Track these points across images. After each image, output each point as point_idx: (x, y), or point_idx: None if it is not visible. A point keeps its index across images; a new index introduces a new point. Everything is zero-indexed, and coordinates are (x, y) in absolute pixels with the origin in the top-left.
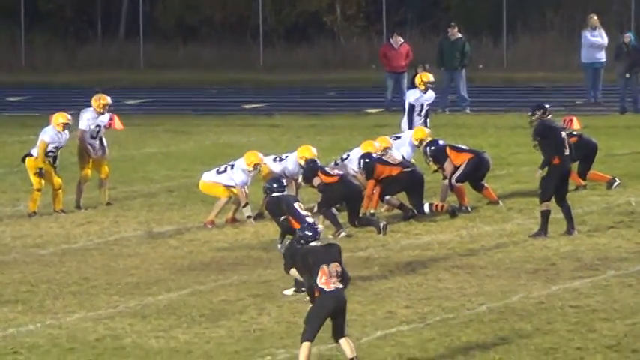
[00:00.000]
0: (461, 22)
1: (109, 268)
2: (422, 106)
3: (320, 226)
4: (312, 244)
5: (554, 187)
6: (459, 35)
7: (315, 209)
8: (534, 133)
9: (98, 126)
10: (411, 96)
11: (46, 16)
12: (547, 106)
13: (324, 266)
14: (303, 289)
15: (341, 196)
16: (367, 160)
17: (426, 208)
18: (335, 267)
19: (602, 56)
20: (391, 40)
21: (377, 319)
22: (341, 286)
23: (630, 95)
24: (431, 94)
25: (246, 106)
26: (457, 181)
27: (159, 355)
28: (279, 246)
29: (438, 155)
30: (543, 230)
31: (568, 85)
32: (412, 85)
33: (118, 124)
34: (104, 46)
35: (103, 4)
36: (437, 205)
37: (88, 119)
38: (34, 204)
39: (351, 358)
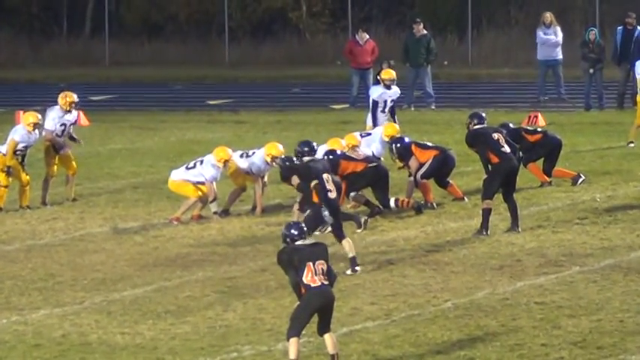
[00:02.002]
0: (426, 18)
1: (75, 265)
2: (385, 102)
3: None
4: (298, 242)
5: (497, 185)
6: (425, 32)
7: (296, 207)
8: (466, 143)
9: (64, 124)
10: (374, 92)
11: (11, 12)
12: (483, 114)
13: (310, 264)
14: None
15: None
16: (331, 157)
17: (392, 204)
18: (320, 265)
19: (557, 54)
20: (357, 36)
21: (342, 316)
22: (327, 283)
23: (595, 92)
24: (395, 91)
25: (212, 102)
26: (422, 177)
27: (124, 351)
28: (296, 211)
29: (404, 152)
30: (484, 228)
31: (533, 82)
32: (376, 82)
33: (83, 120)
34: (69, 43)
35: (69, 0)
36: (402, 201)
37: (53, 118)
38: (0, 200)
39: (332, 354)
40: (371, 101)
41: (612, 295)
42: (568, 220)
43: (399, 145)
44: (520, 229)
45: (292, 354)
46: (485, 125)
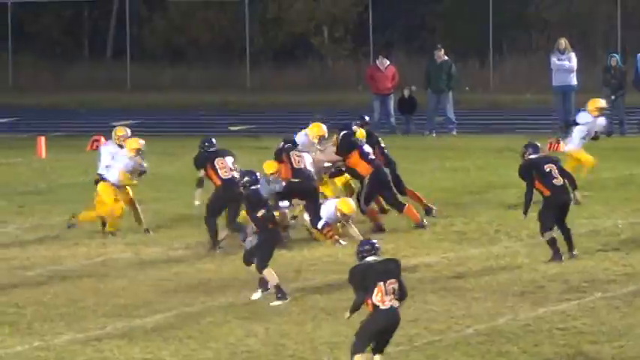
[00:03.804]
0: (447, 44)
1: (97, 290)
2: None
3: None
4: (370, 259)
5: (552, 217)
6: (446, 57)
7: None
8: (519, 174)
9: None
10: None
11: (33, 37)
12: (538, 144)
13: (381, 284)
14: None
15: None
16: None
17: (320, 225)
18: (392, 284)
19: (571, 80)
20: (377, 61)
21: None
22: (397, 304)
23: (616, 118)
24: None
25: (233, 128)
26: (366, 203)
27: None
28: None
29: (346, 144)
30: (557, 257)
31: (554, 108)
32: (399, 107)
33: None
34: (91, 68)
35: (90, 25)
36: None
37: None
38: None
39: None
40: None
41: (635, 322)
42: (590, 247)
43: (345, 132)
44: (576, 252)
45: None
46: (539, 155)
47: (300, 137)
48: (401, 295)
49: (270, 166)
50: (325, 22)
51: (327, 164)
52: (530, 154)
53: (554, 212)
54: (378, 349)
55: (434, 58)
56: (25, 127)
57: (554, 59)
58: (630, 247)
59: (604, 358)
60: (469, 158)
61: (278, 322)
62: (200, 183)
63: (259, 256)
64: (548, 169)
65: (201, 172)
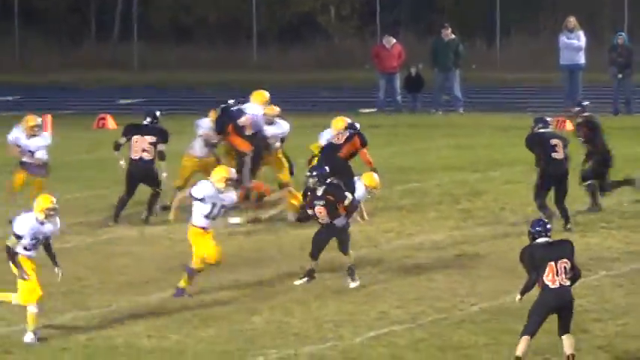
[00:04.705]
0: (454, 23)
1: (102, 268)
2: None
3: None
4: (541, 240)
5: (545, 188)
6: (453, 36)
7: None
8: (526, 145)
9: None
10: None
11: (39, 17)
12: (548, 119)
13: (552, 263)
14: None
15: None
16: None
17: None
18: (563, 264)
19: (580, 58)
20: (383, 40)
21: (369, 320)
22: (567, 283)
23: (623, 96)
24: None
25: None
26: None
27: (150, 355)
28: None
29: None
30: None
31: (561, 86)
32: (406, 85)
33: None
34: (98, 46)
35: (97, 4)
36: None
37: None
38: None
39: (568, 354)
40: None
41: (639, 300)
42: (595, 224)
43: (224, 106)
44: (570, 226)
45: (519, 351)
46: (548, 130)
47: (328, 135)
48: (573, 275)
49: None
50: (332, 0)
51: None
52: (539, 129)
53: (548, 182)
54: (562, 330)
55: (441, 36)
56: (32, 105)
57: (562, 37)
58: (634, 224)
59: (608, 336)
60: (475, 136)
61: (282, 300)
62: (117, 147)
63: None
64: (553, 143)
65: (122, 140)
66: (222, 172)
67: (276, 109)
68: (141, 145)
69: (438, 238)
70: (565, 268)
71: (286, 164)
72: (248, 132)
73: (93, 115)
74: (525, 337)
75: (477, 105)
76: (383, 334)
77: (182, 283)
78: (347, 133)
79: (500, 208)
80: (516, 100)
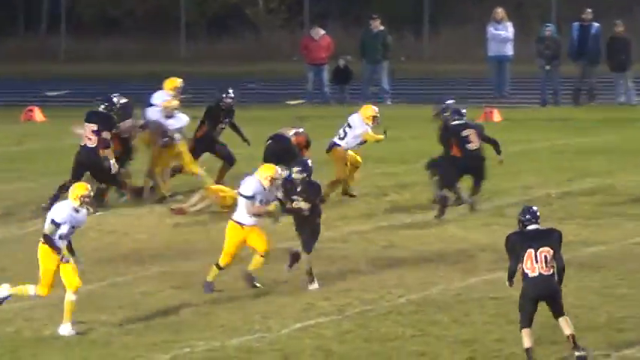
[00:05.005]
0: (383, 14)
1: (30, 260)
2: None
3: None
4: (530, 227)
5: (454, 176)
6: (381, 27)
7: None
8: (439, 137)
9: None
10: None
11: None
12: (463, 110)
13: (531, 250)
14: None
15: None
16: None
17: None
18: (544, 252)
19: (508, 50)
20: (312, 32)
21: (296, 311)
22: (549, 272)
23: (551, 88)
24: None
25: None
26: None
27: (78, 346)
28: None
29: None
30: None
31: (488, 78)
32: (334, 77)
33: None
34: (26, 39)
35: None
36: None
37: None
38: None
39: (567, 335)
40: None
41: (566, 291)
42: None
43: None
44: (473, 202)
45: (525, 343)
46: (462, 121)
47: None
48: (557, 265)
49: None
50: None
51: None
52: (454, 120)
53: (458, 173)
54: (555, 314)
55: (369, 27)
56: None
57: (490, 29)
58: (562, 216)
59: (535, 328)
60: (404, 128)
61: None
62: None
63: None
64: (465, 135)
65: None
66: (269, 171)
67: (175, 103)
68: (86, 133)
69: (364, 229)
70: (546, 257)
71: (189, 156)
72: (123, 135)
73: (20, 107)
74: (524, 330)
75: (405, 97)
76: (310, 326)
77: (252, 268)
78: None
79: (427, 199)
80: (445, 92)
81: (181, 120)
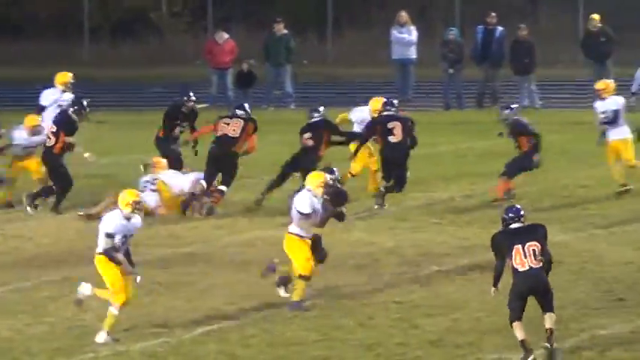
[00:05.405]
0: (286, 17)
1: None
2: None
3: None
4: (514, 226)
5: (385, 169)
6: (285, 31)
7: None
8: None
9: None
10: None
11: None
12: (395, 101)
13: (518, 246)
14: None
15: None
16: None
17: None
18: (531, 246)
19: (411, 53)
20: (215, 36)
21: (199, 316)
22: (539, 265)
23: (454, 91)
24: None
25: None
26: None
27: None
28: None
29: None
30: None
31: (392, 81)
32: (238, 81)
33: None
34: None
35: None
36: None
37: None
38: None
39: (546, 327)
40: None
41: (470, 295)
42: (426, 220)
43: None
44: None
45: (519, 335)
46: (391, 112)
47: (360, 113)
48: (546, 259)
49: None
50: None
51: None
52: (386, 111)
53: (386, 166)
54: (544, 309)
55: (273, 31)
56: None
57: (394, 32)
58: (466, 220)
59: (439, 331)
60: None
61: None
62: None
63: None
64: (391, 127)
65: None
66: (320, 178)
67: (38, 120)
68: (47, 131)
69: (267, 234)
70: (534, 250)
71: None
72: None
73: None
74: (515, 323)
75: (309, 100)
76: (213, 330)
77: (295, 297)
78: (241, 123)
79: None
80: (348, 95)
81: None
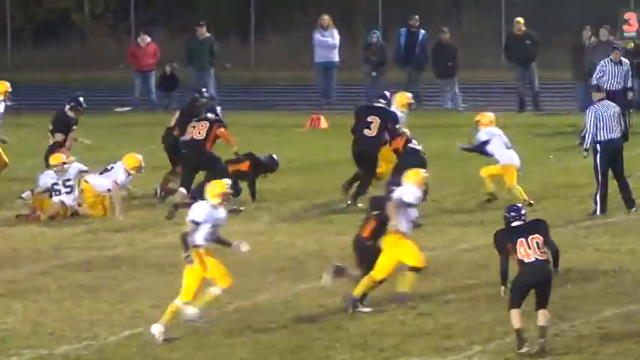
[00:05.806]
0: (209, 20)
1: None
2: None
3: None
4: (515, 224)
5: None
6: (208, 34)
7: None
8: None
9: None
10: None
11: None
12: (387, 93)
13: (522, 239)
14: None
15: None
16: None
17: None
18: (535, 239)
19: (334, 56)
20: (138, 39)
21: (124, 319)
22: (544, 257)
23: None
24: None
25: None
26: None
27: None
28: None
29: None
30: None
31: (315, 84)
32: (161, 83)
33: None
34: None
35: None
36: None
37: None
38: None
39: (540, 325)
40: None
41: (394, 293)
42: (349, 222)
43: None
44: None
45: (516, 324)
46: (379, 105)
47: None
48: (551, 250)
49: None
50: None
51: None
52: (374, 102)
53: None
54: (539, 305)
55: (196, 34)
56: None
57: (317, 35)
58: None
59: (363, 334)
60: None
61: (36, 299)
62: None
63: None
64: (370, 120)
65: None
66: (419, 175)
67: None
68: None
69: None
70: (538, 243)
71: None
72: None
73: None
74: (513, 310)
75: (232, 104)
76: (138, 334)
77: (405, 288)
78: (206, 125)
79: (255, 207)
80: (271, 99)
81: None
